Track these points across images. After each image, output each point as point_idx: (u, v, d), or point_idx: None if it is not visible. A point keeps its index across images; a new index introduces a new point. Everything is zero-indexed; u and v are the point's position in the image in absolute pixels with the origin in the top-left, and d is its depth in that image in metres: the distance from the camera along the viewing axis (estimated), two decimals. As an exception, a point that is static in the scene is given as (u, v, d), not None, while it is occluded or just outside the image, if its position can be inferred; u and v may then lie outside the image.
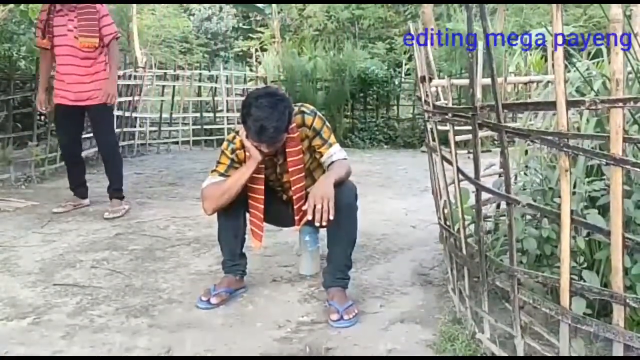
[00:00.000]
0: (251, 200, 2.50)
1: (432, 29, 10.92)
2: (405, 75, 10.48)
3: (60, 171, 5.81)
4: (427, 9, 14.84)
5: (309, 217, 2.24)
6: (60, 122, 4.15)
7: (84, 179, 4.32)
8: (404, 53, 14.69)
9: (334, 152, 2.45)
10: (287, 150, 2.42)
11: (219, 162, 2.48)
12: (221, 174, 2.45)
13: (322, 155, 2.46)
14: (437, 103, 2.43)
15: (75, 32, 3.90)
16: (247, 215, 2.56)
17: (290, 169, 2.45)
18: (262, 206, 2.48)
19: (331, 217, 2.22)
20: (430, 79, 2.28)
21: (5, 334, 2.19)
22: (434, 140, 2.39)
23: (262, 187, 2.47)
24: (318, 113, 2.47)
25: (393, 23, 20.91)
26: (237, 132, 2.45)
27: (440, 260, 2.97)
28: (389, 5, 20.16)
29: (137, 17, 22.51)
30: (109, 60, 4.07)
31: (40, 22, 3.97)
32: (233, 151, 2.45)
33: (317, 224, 2.25)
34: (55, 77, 4.04)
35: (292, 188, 2.48)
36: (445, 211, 2.48)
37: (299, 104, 2.49)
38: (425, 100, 2.35)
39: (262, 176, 2.47)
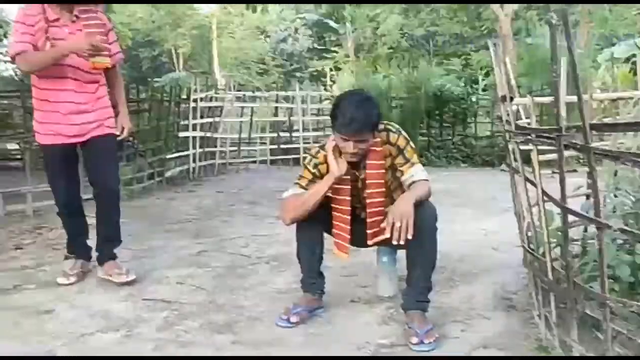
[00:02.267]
0: (336, 212, 2.53)
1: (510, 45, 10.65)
2: (482, 91, 10.27)
3: (147, 190, 6.17)
4: (505, 24, 14.50)
5: (387, 234, 2.25)
6: (58, 168, 3.04)
7: (87, 235, 3.26)
8: (481, 69, 14.37)
9: (416, 172, 2.45)
10: (368, 162, 2.46)
11: (301, 176, 2.56)
12: (302, 187, 2.53)
13: (403, 174, 2.47)
14: (519, 122, 2.37)
15: None
16: (325, 234, 2.59)
17: (368, 181, 2.48)
18: (349, 217, 2.50)
19: (409, 237, 2.22)
20: (512, 98, 2.24)
21: (101, 346, 2.33)
22: (515, 161, 2.33)
23: (348, 197, 2.49)
24: (403, 132, 2.50)
25: (469, 39, 20.62)
26: (322, 147, 2.53)
27: (524, 284, 2.87)
28: (465, 20, 19.92)
29: (217, 40, 23.54)
30: (118, 87, 3.25)
31: (28, 26, 2.84)
32: (315, 166, 2.53)
33: (394, 242, 2.25)
34: (37, 108, 2.98)
35: (368, 201, 2.48)
36: (529, 233, 2.40)
37: (385, 122, 2.52)
38: (506, 120, 2.31)
39: (348, 187, 2.49)
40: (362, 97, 2.40)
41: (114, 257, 3.15)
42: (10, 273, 3.28)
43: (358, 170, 2.51)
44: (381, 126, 2.45)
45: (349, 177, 2.48)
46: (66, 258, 3.21)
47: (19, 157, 7.62)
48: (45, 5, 2.89)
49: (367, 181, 2.47)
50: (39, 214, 4.76)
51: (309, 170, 2.54)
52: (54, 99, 2.94)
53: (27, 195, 4.82)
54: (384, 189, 2.49)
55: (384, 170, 2.47)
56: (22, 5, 2.96)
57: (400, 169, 2.47)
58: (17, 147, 7.63)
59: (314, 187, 2.48)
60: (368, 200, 2.48)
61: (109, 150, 3.12)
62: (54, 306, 2.75)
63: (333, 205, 2.53)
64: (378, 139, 2.43)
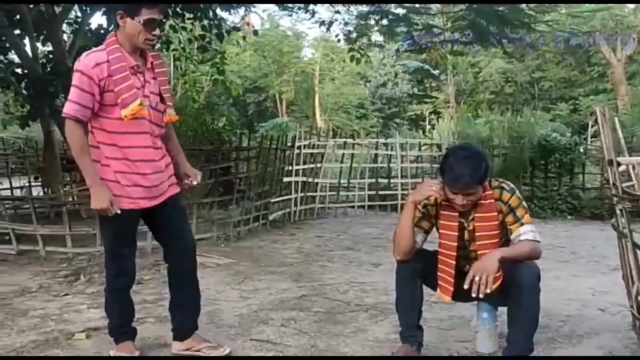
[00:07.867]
0: (442, 256, 2.59)
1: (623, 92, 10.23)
2: (592, 137, 9.88)
3: (252, 232, 6.51)
4: (617, 68, 13.90)
5: (466, 286, 2.35)
6: (129, 232, 2.75)
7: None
8: (590, 114, 13.85)
9: (524, 232, 2.48)
10: (477, 215, 2.52)
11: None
12: (415, 224, 2.64)
13: (511, 233, 2.51)
14: (627, 185, 2.34)
15: (154, 99, 2.62)
16: (424, 286, 2.66)
17: (477, 234, 2.53)
18: (454, 262, 2.54)
19: (488, 291, 2.30)
20: (619, 164, 2.23)
21: (214, 381, 2.53)
22: (623, 222, 2.30)
23: (455, 243, 2.54)
24: (517, 192, 2.56)
25: (577, 83, 19.88)
26: None
27: (634, 351, 2.75)
28: (572, 64, 19.29)
29: (319, 87, 24.39)
30: (174, 137, 2.87)
31: (95, 79, 2.45)
32: (424, 206, 2.64)
33: (473, 295, 2.34)
34: (110, 166, 2.56)
35: (480, 252, 2.51)
36: (639, 299, 2.34)
37: (500, 179, 2.62)
38: (613, 184, 2.29)
39: (455, 233, 2.55)
40: (470, 152, 2.50)
41: (197, 327, 2.84)
42: (133, 306, 3.62)
43: (466, 221, 2.57)
44: (496, 183, 2.55)
45: (456, 223, 2.54)
46: (118, 341, 2.77)
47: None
48: (125, 52, 2.53)
49: (477, 233, 2.53)
50: (155, 251, 5.18)
51: (419, 210, 2.64)
52: (135, 157, 2.56)
53: (147, 233, 5.27)
54: (496, 241, 2.52)
55: (496, 223, 2.51)
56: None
57: (510, 227, 2.51)
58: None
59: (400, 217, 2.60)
60: (479, 252, 2.52)
61: (184, 209, 2.88)
62: (171, 340, 3.00)
63: (440, 249, 2.60)
64: (490, 192, 2.51)
